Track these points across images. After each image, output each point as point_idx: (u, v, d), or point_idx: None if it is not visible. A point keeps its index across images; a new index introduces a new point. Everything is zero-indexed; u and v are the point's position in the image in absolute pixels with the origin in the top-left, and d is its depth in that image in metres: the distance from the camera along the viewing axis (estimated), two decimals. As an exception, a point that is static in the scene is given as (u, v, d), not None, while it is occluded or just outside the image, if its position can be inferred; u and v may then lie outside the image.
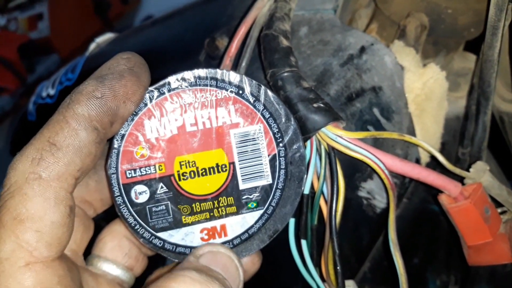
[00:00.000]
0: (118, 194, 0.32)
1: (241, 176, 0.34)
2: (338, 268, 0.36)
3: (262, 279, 0.46)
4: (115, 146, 0.32)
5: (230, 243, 0.34)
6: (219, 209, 0.34)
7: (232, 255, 0.31)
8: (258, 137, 0.33)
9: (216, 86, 0.32)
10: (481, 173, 0.39)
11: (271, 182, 0.34)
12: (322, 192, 0.37)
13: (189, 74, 0.32)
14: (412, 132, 0.41)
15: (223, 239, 0.34)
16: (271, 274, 0.45)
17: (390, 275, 0.38)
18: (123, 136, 0.32)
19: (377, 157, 0.35)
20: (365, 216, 0.41)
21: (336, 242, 0.35)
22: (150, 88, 0.32)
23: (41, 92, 0.75)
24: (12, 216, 0.25)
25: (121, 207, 0.33)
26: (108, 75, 0.28)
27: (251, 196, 0.34)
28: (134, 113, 0.32)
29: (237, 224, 0.34)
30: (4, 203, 0.26)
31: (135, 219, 0.33)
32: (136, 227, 0.33)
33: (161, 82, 0.32)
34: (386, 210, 0.36)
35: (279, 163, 0.34)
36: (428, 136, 0.42)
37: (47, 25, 1.92)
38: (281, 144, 0.34)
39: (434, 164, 0.41)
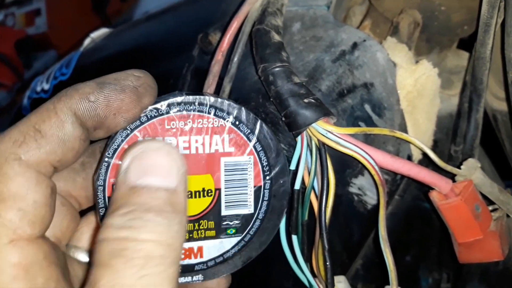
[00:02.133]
0: (103, 206, 0.32)
1: (225, 202, 0.34)
2: (327, 264, 0.36)
3: (254, 275, 0.46)
4: (106, 159, 0.31)
5: (204, 264, 0.35)
6: (199, 232, 0.35)
7: (165, 147, 0.28)
8: (247, 168, 0.34)
9: (215, 114, 0.33)
10: (472, 170, 0.39)
11: (252, 211, 0.35)
12: (313, 188, 0.36)
13: (190, 99, 0.32)
14: (404, 129, 0.41)
15: (198, 260, 0.35)
16: (262, 270, 0.45)
17: (382, 272, 0.38)
18: (115, 150, 0.32)
19: (367, 153, 0.34)
20: (356, 212, 0.41)
21: (325, 238, 0.35)
22: (150, 107, 0.32)
23: (36, 86, 0.75)
24: None
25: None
26: (111, 84, 0.28)
27: (231, 223, 0.35)
28: (129, 129, 0.31)
29: (214, 247, 0.35)
30: None
31: None
32: None
33: (162, 102, 0.32)
34: (377, 207, 0.36)
35: (263, 194, 0.35)
36: (420, 133, 0.42)
37: (44, 21, 1.91)
38: (267, 177, 0.35)
39: (426, 161, 0.41)
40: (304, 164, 0.36)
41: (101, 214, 0.32)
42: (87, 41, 0.73)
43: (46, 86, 0.71)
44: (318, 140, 0.35)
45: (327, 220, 0.35)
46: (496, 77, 0.47)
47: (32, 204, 0.26)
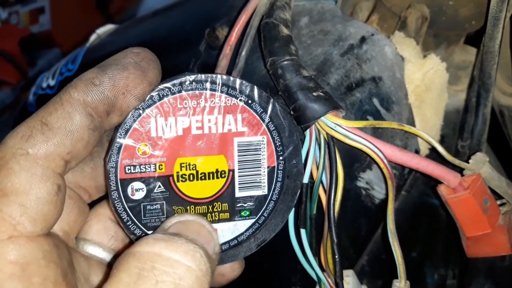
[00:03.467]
0: (115, 189, 0.32)
1: (239, 184, 0.34)
2: (336, 257, 0.36)
3: (261, 269, 0.46)
4: (118, 140, 0.31)
5: None
6: (213, 214, 0.34)
7: (202, 221, 0.30)
8: (260, 148, 0.34)
9: (227, 93, 0.32)
10: (481, 164, 0.39)
11: (266, 193, 0.35)
12: (321, 182, 0.36)
13: (202, 77, 0.32)
14: (412, 123, 0.41)
15: None
16: (269, 264, 0.45)
17: (389, 268, 0.38)
18: (127, 130, 0.31)
19: (376, 147, 0.34)
20: (363, 207, 0.41)
21: (334, 232, 0.35)
22: (161, 86, 0.31)
23: (42, 83, 0.75)
24: None
25: (115, 201, 0.32)
26: (112, 65, 0.28)
27: (245, 205, 0.34)
28: (141, 109, 0.31)
29: (228, 230, 0.35)
30: None
31: (128, 215, 0.32)
32: (128, 223, 0.33)
33: (173, 81, 0.32)
34: (384, 201, 0.36)
35: (277, 175, 0.35)
36: (427, 128, 0.42)
37: (48, 19, 1.91)
38: (281, 158, 0.34)
39: (433, 156, 0.41)
40: (312, 158, 0.36)
41: (113, 197, 0.32)
42: (93, 37, 0.73)
43: (52, 82, 0.71)
44: (326, 133, 0.35)
45: (336, 214, 0.35)
46: (504, 72, 0.47)
47: (35, 200, 0.26)
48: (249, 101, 0.33)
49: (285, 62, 0.35)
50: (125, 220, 0.32)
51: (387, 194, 0.36)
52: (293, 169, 0.35)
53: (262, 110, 0.33)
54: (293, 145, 0.34)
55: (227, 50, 0.39)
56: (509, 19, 0.40)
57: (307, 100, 0.34)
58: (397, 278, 0.37)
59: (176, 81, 0.32)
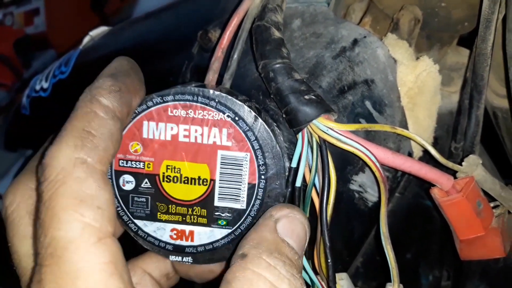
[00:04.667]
0: (109, 177, 0.36)
1: (218, 194, 0.36)
2: (329, 261, 0.36)
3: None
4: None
5: (194, 248, 0.37)
6: (192, 217, 0.37)
7: (305, 222, 0.33)
8: (242, 164, 0.36)
9: (216, 108, 0.35)
10: (474, 166, 0.39)
11: (244, 207, 0.36)
12: (314, 185, 0.36)
13: (195, 91, 0.35)
14: (405, 126, 0.41)
15: (189, 243, 0.37)
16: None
17: (383, 270, 0.38)
18: (124, 129, 0.34)
19: (368, 150, 0.34)
20: (356, 210, 0.41)
21: (327, 235, 0.35)
22: (155, 95, 0.35)
23: (35, 85, 0.75)
24: (71, 198, 0.26)
25: None
26: (119, 73, 0.32)
27: (223, 215, 0.37)
28: (136, 113, 0.35)
29: (205, 234, 0.37)
30: (56, 190, 0.27)
31: (118, 202, 0.37)
32: (118, 209, 0.37)
33: (167, 91, 0.35)
34: (378, 204, 0.36)
35: (257, 193, 0.36)
36: (420, 130, 0.42)
37: (43, 20, 1.90)
38: (263, 177, 0.36)
39: (427, 158, 0.41)
40: (305, 161, 0.36)
41: None
42: (86, 39, 0.73)
43: (45, 85, 0.71)
44: (319, 137, 0.35)
45: (328, 218, 0.35)
46: (497, 74, 0.47)
47: (106, 203, 0.28)
48: (236, 118, 0.35)
49: (277, 65, 0.35)
50: (116, 206, 0.36)
51: (380, 197, 0.36)
52: (274, 190, 0.36)
53: (248, 128, 0.35)
54: (276, 168, 0.35)
55: (219, 53, 0.39)
56: (501, 21, 0.40)
57: (299, 103, 0.34)
58: (390, 281, 0.37)
59: (171, 91, 0.35)
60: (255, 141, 0.35)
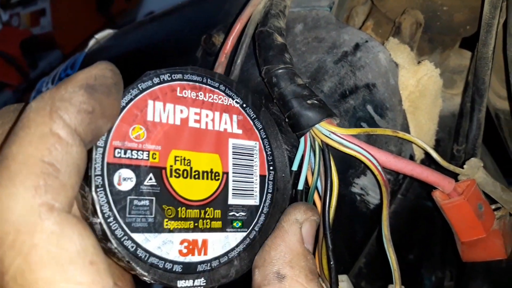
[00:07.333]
0: (99, 173, 0.26)
1: (232, 189, 0.32)
2: (331, 263, 0.36)
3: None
4: None
5: (208, 264, 0.30)
6: (205, 221, 0.30)
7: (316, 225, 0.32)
8: (253, 154, 0.33)
9: (225, 92, 0.32)
10: (475, 169, 0.39)
11: (258, 203, 0.33)
12: (316, 188, 0.37)
13: (203, 72, 0.31)
14: (406, 129, 0.41)
15: (202, 257, 0.29)
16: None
17: (386, 270, 0.39)
18: (122, 109, 0.27)
19: (370, 154, 0.35)
20: (358, 212, 0.41)
21: (329, 238, 0.35)
22: (161, 71, 0.29)
23: (41, 87, 0.76)
24: (53, 265, 0.20)
25: (98, 190, 0.26)
26: (98, 86, 0.24)
27: (237, 214, 0.32)
28: (138, 90, 0.28)
29: (219, 243, 0.30)
30: (26, 258, 0.19)
31: (110, 209, 0.26)
32: (109, 220, 0.26)
33: (175, 69, 0.30)
34: (379, 206, 0.37)
35: (267, 186, 0.33)
36: (422, 133, 0.42)
37: (49, 21, 1.92)
38: (271, 168, 0.34)
39: (428, 161, 0.42)
40: (307, 164, 0.36)
41: (96, 183, 0.26)
42: (91, 42, 0.74)
43: (52, 87, 0.72)
44: (321, 141, 0.35)
45: (330, 220, 0.35)
46: (499, 76, 0.47)
47: (95, 252, 0.22)
48: (244, 105, 0.33)
49: (280, 71, 0.36)
50: (106, 216, 0.26)
51: (381, 200, 0.36)
52: (282, 181, 0.34)
53: (255, 116, 0.33)
54: (281, 157, 0.34)
55: (223, 58, 0.40)
56: (502, 25, 0.40)
57: (301, 108, 0.35)
58: (392, 283, 0.37)
59: (178, 70, 0.30)
60: (262, 130, 0.33)
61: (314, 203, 0.37)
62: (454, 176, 0.39)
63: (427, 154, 0.42)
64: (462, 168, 0.39)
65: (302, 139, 0.36)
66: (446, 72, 0.49)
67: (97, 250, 0.22)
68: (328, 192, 0.35)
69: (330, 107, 0.36)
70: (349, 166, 0.39)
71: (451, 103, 0.48)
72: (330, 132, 0.35)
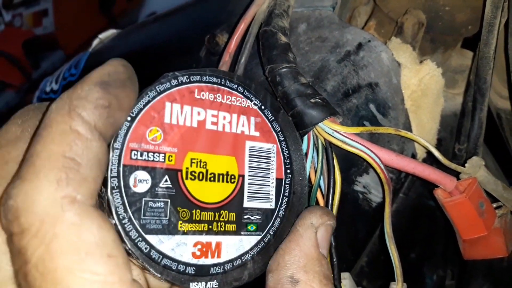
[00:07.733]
0: (115, 175, 0.26)
1: (248, 192, 0.32)
2: (334, 260, 0.36)
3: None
4: (126, 123, 0.27)
5: (221, 267, 0.30)
6: (219, 224, 0.30)
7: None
8: (270, 156, 0.33)
9: (243, 94, 0.32)
10: (477, 168, 0.39)
11: (273, 207, 0.33)
12: (319, 186, 0.37)
13: (221, 73, 0.31)
14: (408, 128, 0.42)
15: (215, 260, 0.30)
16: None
17: (387, 269, 0.39)
18: (139, 110, 0.28)
19: (373, 152, 0.35)
20: (361, 210, 0.42)
21: (332, 235, 0.36)
22: (180, 73, 0.30)
23: (45, 87, 0.76)
24: (72, 254, 0.21)
25: (114, 191, 0.26)
26: (112, 81, 0.25)
27: (252, 218, 0.32)
28: (157, 92, 0.28)
29: (233, 246, 0.31)
30: (48, 247, 0.20)
31: (125, 211, 0.27)
32: (124, 221, 0.26)
33: (193, 71, 0.30)
34: (382, 205, 0.37)
35: (284, 189, 0.33)
36: (424, 132, 0.43)
37: (51, 21, 1.93)
38: (288, 171, 0.33)
39: (430, 159, 0.42)
40: (310, 162, 0.36)
41: (112, 185, 0.26)
42: (95, 42, 0.74)
43: (56, 87, 0.72)
44: (324, 139, 0.36)
45: (333, 218, 0.36)
46: (500, 76, 0.48)
47: (115, 245, 0.23)
48: (262, 107, 0.32)
49: (283, 70, 0.36)
50: (121, 217, 0.26)
51: (384, 198, 0.37)
52: (298, 185, 0.34)
53: (273, 118, 0.33)
54: (299, 160, 0.34)
55: (227, 58, 0.40)
56: (503, 25, 0.40)
57: (305, 106, 0.35)
58: (394, 280, 0.37)
59: (196, 72, 0.30)
60: (280, 132, 0.33)
61: (316, 201, 0.38)
62: (456, 174, 0.39)
63: (429, 153, 0.42)
64: (464, 166, 0.39)
65: (305, 138, 0.36)
66: (448, 72, 0.49)
67: (117, 244, 0.23)
68: (331, 190, 0.36)
69: (333, 106, 0.36)
70: (352, 165, 0.40)
71: (453, 103, 0.49)
72: (333, 130, 0.35)
